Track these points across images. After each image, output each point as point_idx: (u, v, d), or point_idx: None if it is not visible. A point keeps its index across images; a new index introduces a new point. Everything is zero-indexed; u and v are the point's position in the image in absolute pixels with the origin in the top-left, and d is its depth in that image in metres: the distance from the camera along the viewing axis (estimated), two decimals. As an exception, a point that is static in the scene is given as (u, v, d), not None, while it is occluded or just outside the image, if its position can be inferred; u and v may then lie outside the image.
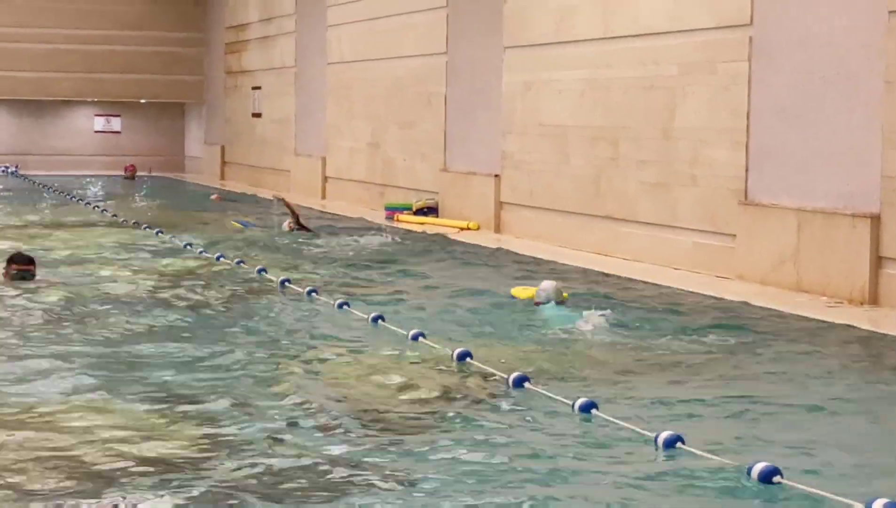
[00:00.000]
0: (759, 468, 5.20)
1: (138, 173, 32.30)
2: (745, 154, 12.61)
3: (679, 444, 5.75)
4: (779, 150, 12.22)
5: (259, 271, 12.11)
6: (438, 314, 9.95)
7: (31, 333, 8.86)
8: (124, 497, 4.93)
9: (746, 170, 12.62)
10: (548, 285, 10.22)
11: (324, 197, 24.35)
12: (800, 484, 5.10)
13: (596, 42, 15.19)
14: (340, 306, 9.98)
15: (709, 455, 5.57)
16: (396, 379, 7.39)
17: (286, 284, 11.32)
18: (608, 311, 9.53)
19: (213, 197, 24.66)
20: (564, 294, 10.22)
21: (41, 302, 10.11)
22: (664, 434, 5.82)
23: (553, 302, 9.97)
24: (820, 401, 7.00)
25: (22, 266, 11.05)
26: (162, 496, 4.96)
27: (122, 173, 32.15)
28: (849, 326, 9.63)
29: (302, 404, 6.67)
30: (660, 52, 13.95)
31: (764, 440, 6.05)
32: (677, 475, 5.45)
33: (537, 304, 10.06)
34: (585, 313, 9.40)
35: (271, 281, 11.62)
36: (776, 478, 5.16)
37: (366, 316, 9.45)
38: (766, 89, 12.37)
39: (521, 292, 10.73)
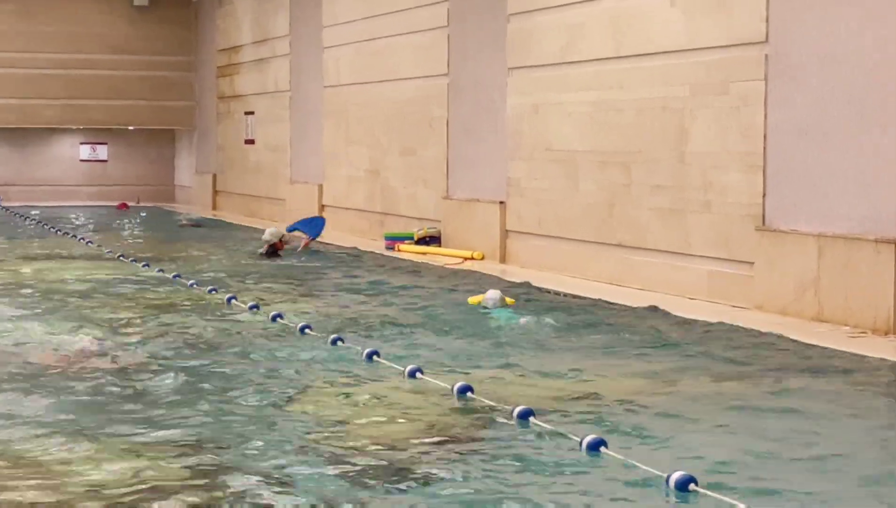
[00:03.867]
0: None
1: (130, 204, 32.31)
2: (762, 178, 12.59)
3: (692, 486, 5.71)
4: (797, 172, 12.20)
5: (251, 308, 12.12)
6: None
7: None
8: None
9: (763, 194, 12.60)
10: (492, 292, 12.63)
11: (321, 227, 24.32)
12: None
13: (605, 62, 15.21)
14: (334, 341, 9.97)
15: (723, 498, 5.52)
16: (393, 416, 7.39)
17: (278, 319, 11.34)
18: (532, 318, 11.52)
19: (183, 222, 26.06)
20: (509, 300, 12.63)
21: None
22: (676, 475, 5.77)
23: (498, 306, 12.32)
24: (841, 438, 6.96)
25: None
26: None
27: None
28: (872, 358, 9.59)
29: (294, 443, 6.68)
30: (672, 71, 13.96)
31: (781, 483, 6.00)
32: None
33: (486, 308, 12.34)
34: (522, 319, 11.50)
35: (263, 315, 11.65)
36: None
37: (360, 350, 9.45)
38: (783, 109, 12.37)
39: (475, 299, 12.82)
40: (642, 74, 14.49)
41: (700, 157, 13.45)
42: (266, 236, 18.54)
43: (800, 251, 11.97)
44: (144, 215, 29.22)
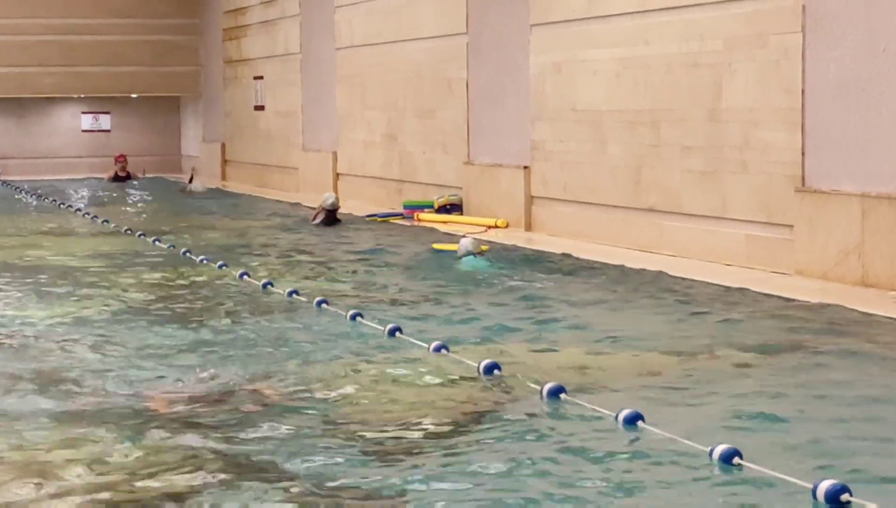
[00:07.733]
0: (825, 486, 5.17)
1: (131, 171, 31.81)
2: (802, 136, 12.54)
3: (736, 459, 5.73)
4: (839, 130, 12.15)
5: (264, 286, 12.14)
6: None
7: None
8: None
9: (803, 154, 12.55)
10: (465, 241, 13.66)
11: (336, 196, 24.33)
12: (870, 503, 5.06)
13: (633, 16, 15.15)
14: (353, 317, 9.99)
15: (770, 472, 5.54)
16: (416, 394, 7.45)
17: (294, 295, 11.38)
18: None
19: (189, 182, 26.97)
20: (483, 247, 13.76)
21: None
22: (720, 448, 5.80)
23: (472, 255, 13.20)
24: (890, 410, 6.97)
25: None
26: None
27: (112, 173, 31.59)
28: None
29: (314, 424, 6.73)
30: (704, 25, 13.90)
31: (830, 456, 6.01)
32: (735, 493, 5.44)
33: (459, 257, 13.28)
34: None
35: (278, 293, 11.69)
36: (844, 497, 5.13)
37: (381, 328, 9.47)
38: (822, 63, 12.30)
39: (443, 246, 14.33)
40: (672, 29, 14.43)
41: (737, 114, 13.39)
42: (326, 204, 18.69)
43: (842, 213, 11.93)
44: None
